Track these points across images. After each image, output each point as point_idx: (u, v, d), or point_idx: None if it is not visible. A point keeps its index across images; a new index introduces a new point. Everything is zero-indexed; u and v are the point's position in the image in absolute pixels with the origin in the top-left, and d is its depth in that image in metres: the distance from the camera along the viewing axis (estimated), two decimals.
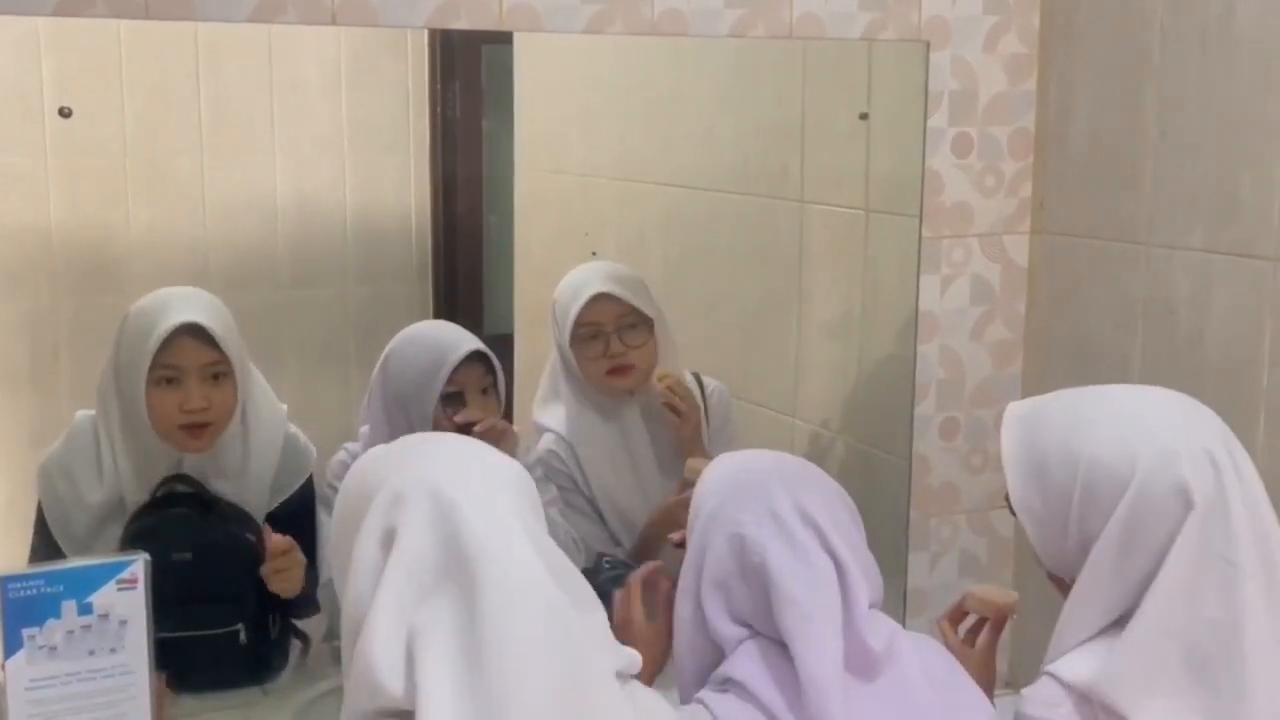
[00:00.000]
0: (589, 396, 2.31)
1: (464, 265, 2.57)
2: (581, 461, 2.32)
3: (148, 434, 1.98)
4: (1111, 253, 2.19)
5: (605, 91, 2.62)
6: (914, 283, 2.29)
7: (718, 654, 1.50)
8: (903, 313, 2.33)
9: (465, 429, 2.09)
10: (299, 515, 2.11)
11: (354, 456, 2.18)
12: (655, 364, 2.32)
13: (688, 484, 1.82)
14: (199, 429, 1.98)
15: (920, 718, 1.45)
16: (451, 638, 1.20)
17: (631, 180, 2.66)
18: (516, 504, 1.30)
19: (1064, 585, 1.54)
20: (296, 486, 2.12)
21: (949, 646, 1.71)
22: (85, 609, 1.65)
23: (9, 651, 1.63)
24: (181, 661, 1.87)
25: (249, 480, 2.06)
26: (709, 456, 2.20)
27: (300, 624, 2.18)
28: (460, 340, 2.17)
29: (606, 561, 2.12)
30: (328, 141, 2.49)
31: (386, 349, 2.19)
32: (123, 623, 1.67)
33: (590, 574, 1.55)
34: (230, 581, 2.03)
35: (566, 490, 2.31)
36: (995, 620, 1.74)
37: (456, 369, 2.14)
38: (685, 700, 1.51)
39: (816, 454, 2.47)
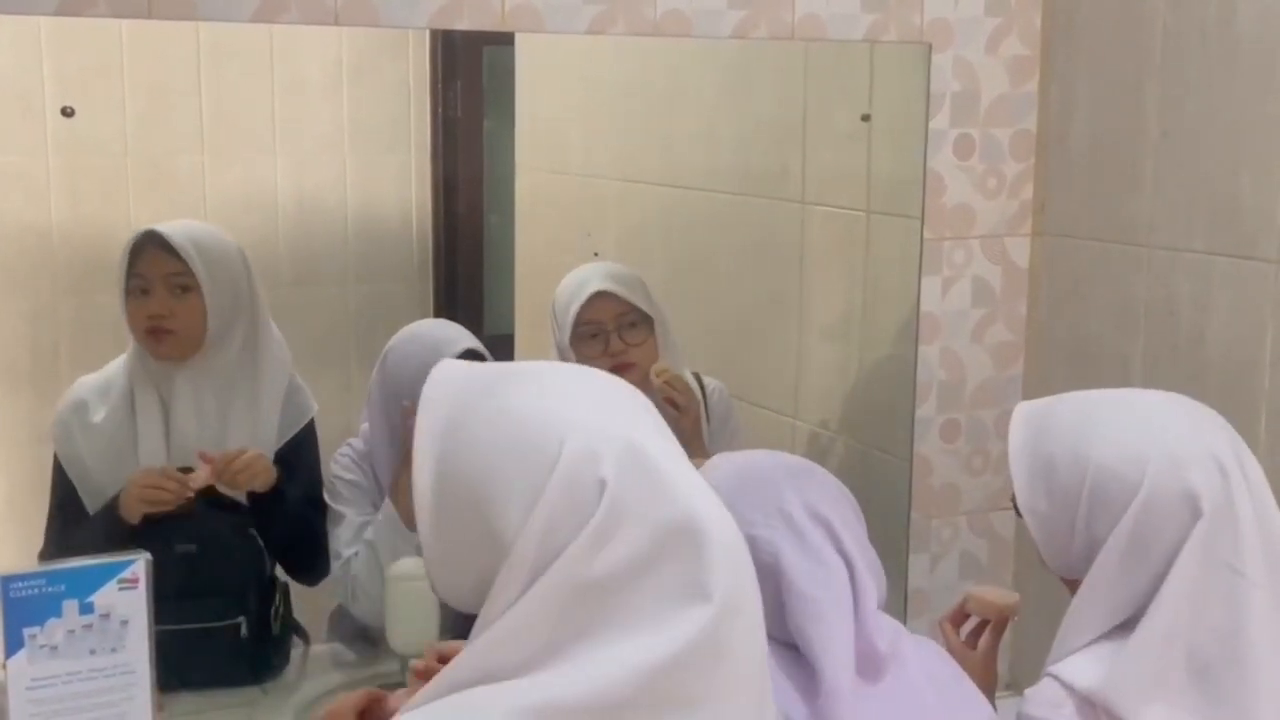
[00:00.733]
0: None
1: (465, 265, 2.57)
2: None
3: (140, 348, 2.09)
4: (1113, 254, 2.19)
5: (606, 92, 2.62)
6: (915, 284, 2.29)
7: None
8: (904, 314, 2.33)
9: None
10: (302, 455, 2.18)
11: (356, 452, 2.19)
12: (655, 362, 2.32)
13: None
14: (161, 334, 2.07)
15: (923, 719, 1.45)
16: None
17: (633, 181, 2.66)
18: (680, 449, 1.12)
19: (1074, 585, 1.54)
20: (300, 427, 2.19)
21: (950, 648, 1.71)
22: (86, 608, 1.66)
23: (10, 651, 1.64)
24: (182, 655, 1.89)
25: (260, 413, 2.13)
26: (708, 454, 2.20)
27: (302, 622, 2.20)
28: (457, 338, 2.18)
29: None
30: (329, 141, 2.49)
31: (386, 346, 2.19)
32: (124, 622, 1.68)
33: None
34: (233, 574, 2.05)
35: None
36: (996, 622, 1.74)
37: None
38: None
39: (817, 455, 2.47)
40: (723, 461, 1.59)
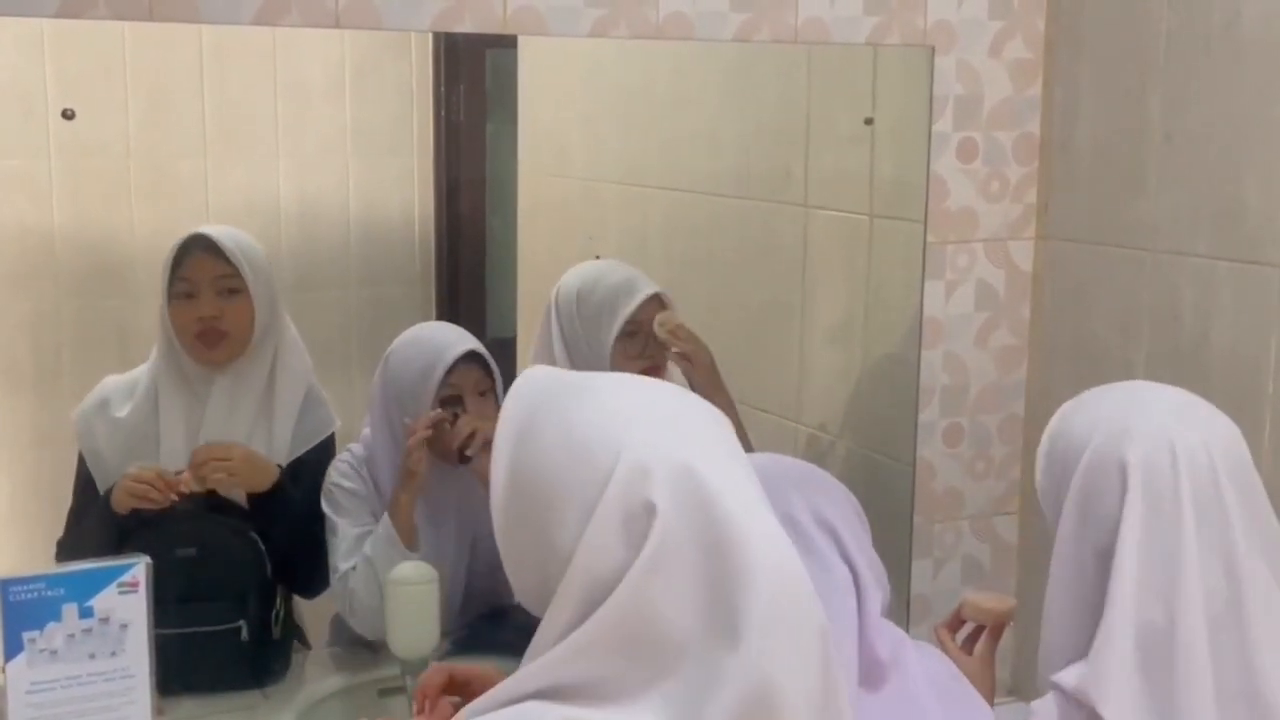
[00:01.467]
0: None
1: (467, 268, 2.57)
2: None
3: (179, 351, 2.10)
4: (1116, 258, 2.19)
5: (609, 95, 2.62)
6: (918, 288, 2.28)
7: None
8: (907, 318, 2.32)
9: (461, 449, 2.09)
10: (315, 469, 2.17)
11: (356, 458, 2.18)
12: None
13: None
14: (213, 337, 2.09)
15: None
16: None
17: (635, 184, 2.66)
18: (751, 471, 1.11)
19: None
20: (317, 440, 2.19)
21: (947, 654, 1.71)
22: (86, 612, 1.65)
23: (9, 654, 1.63)
24: (183, 659, 1.88)
25: (275, 420, 2.14)
26: (732, 401, 2.19)
27: (303, 626, 2.19)
28: (458, 341, 2.17)
29: None
30: (331, 144, 2.48)
31: (388, 350, 2.19)
32: (124, 626, 1.67)
33: None
34: (233, 578, 2.05)
35: None
36: (993, 628, 1.74)
37: (454, 371, 2.13)
38: None
39: (819, 459, 2.46)
40: None
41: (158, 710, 1.73)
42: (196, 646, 1.98)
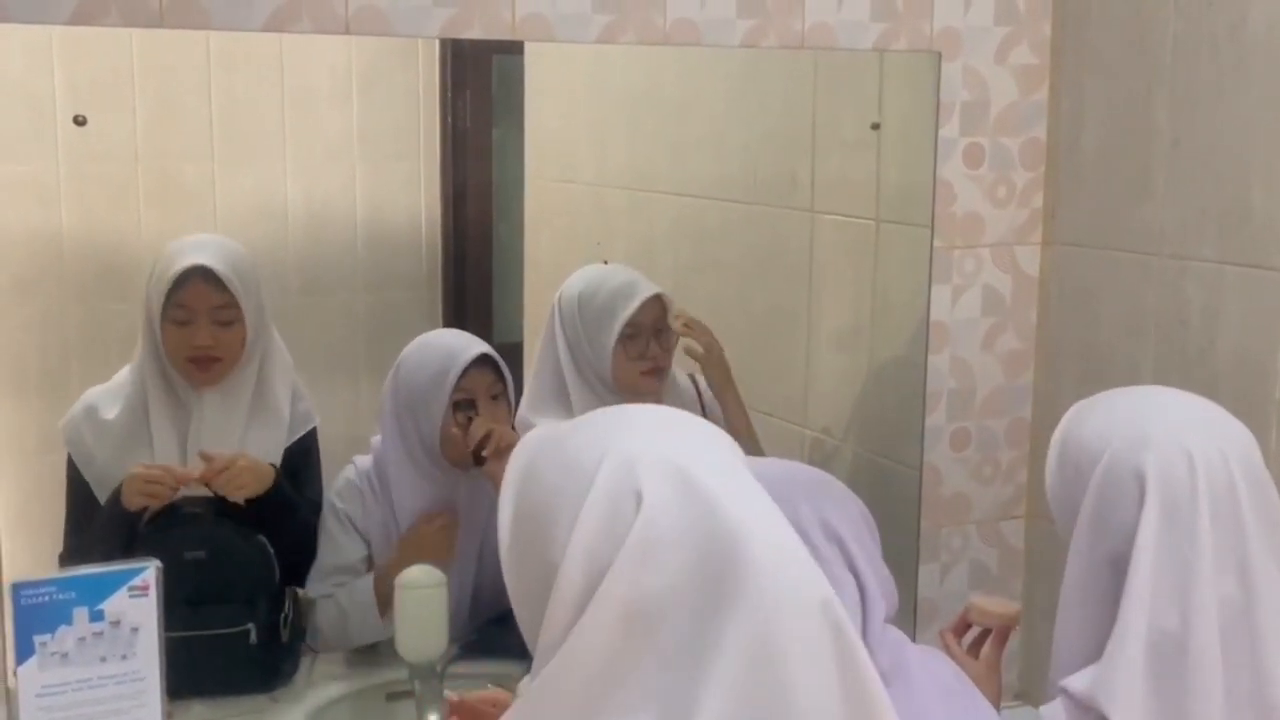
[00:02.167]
0: (604, 399, 2.30)
1: (473, 274, 2.57)
2: None
3: (168, 367, 2.11)
4: (1123, 263, 2.19)
5: (615, 100, 2.62)
6: (925, 293, 2.28)
7: None
8: (913, 323, 2.33)
9: (477, 450, 2.10)
10: (302, 462, 2.21)
11: (361, 472, 2.19)
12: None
13: None
14: (207, 363, 2.11)
15: None
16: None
17: (641, 189, 2.66)
18: (755, 479, 1.08)
19: None
20: (300, 434, 2.21)
21: (953, 658, 1.71)
22: (97, 616, 1.65)
23: (20, 658, 1.63)
24: (192, 662, 1.89)
25: (268, 414, 2.16)
26: (739, 398, 2.17)
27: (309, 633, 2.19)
28: (470, 344, 2.18)
29: None
30: (338, 149, 2.49)
31: (399, 357, 2.19)
32: (134, 630, 1.67)
33: None
34: (242, 581, 2.06)
35: None
36: (999, 632, 1.74)
37: (467, 375, 2.14)
38: None
39: (825, 463, 2.46)
40: None
41: (167, 714, 1.73)
42: (205, 649, 1.99)
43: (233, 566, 2.06)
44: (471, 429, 2.11)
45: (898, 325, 2.41)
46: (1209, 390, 1.97)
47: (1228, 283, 2.02)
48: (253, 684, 2.06)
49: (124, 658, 1.67)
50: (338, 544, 2.17)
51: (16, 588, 1.63)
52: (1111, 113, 2.20)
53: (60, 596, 1.64)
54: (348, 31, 1.87)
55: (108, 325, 2.24)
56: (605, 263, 2.45)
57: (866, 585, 1.44)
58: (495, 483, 1.98)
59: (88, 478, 2.11)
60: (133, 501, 2.03)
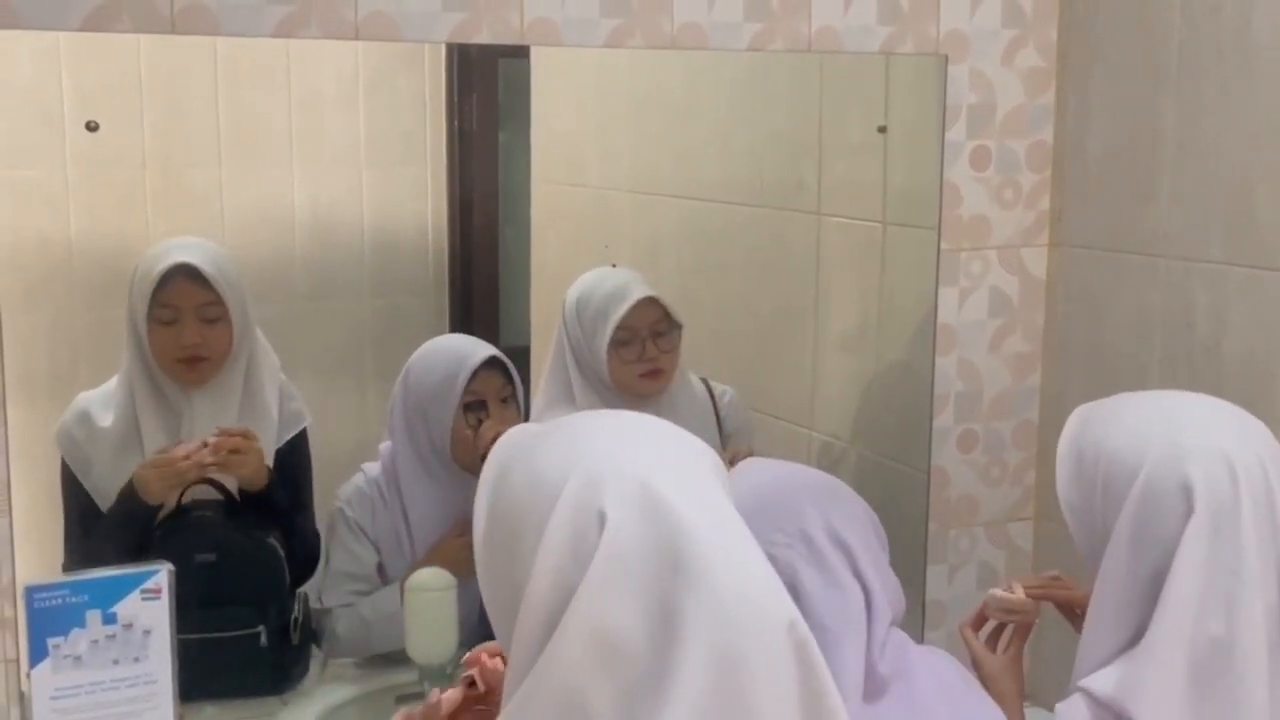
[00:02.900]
0: (608, 401, 2.31)
1: (480, 278, 2.58)
2: None
3: (155, 370, 2.11)
4: (1129, 265, 2.20)
5: (622, 104, 2.63)
6: (932, 295, 2.29)
7: None
8: (920, 325, 2.33)
9: (487, 453, 2.10)
10: (293, 461, 2.21)
11: (370, 479, 2.20)
12: (677, 369, 2.34)
13: None
14: (195, 362, 2.11)
15: None
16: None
17: (648, 192, 2.67)
18: (725, 497, 1.08)
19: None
20: (291, 434, 2.22)
21: (972, 653, 1.70)
22: (110, 618, 1.66)
23: (34, 661, 1.64)
24: (202, 664, 1.89)
25: (258, 413, 2.16)
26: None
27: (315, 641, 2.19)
28: (479, 348, 2.20)
29: None
30: (345, 154, 2.50)
31: (408, 362, 2.20)
32: (147, 632, 1.68)
33: None
34: (252, 584, 2.07)
35: None
36: (1020, 626, 1.72)
37: (476, 377, 2.15)
38: None
39: (832, 466, 2.47)
40: (752, 470, 1.58)
41: (179, 716, 1.74)
42: (216, 652, 1.99)
43: (243, 569, 2.06)
44: (481, 431, 2.12)
45: (904, 328, 2.41)
46: (1215, 391, 1.96)
47: (1234, 284, 2.02)
48: (264, 686, 2.06)
49: (137, 660, 1.68)
50: (350, 552, 2.18)
51: (30, 591, 1.64)
52: (1118, 115, 2.21)
53: (73, 599, 1.65)
54: (357, 37, 1.88)
55: (116, 330, 2.23)
56: (614, 266, 2.46)
57: (871, 591, 1.44)
58: None
59: (84, 483, 2.11)
60: (154, 493, 2.04)
